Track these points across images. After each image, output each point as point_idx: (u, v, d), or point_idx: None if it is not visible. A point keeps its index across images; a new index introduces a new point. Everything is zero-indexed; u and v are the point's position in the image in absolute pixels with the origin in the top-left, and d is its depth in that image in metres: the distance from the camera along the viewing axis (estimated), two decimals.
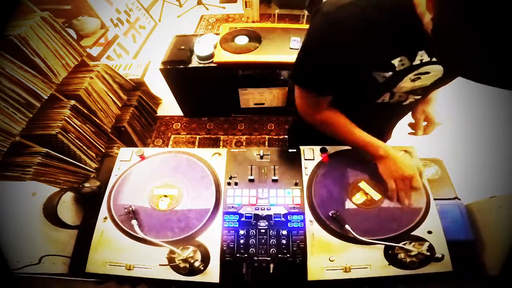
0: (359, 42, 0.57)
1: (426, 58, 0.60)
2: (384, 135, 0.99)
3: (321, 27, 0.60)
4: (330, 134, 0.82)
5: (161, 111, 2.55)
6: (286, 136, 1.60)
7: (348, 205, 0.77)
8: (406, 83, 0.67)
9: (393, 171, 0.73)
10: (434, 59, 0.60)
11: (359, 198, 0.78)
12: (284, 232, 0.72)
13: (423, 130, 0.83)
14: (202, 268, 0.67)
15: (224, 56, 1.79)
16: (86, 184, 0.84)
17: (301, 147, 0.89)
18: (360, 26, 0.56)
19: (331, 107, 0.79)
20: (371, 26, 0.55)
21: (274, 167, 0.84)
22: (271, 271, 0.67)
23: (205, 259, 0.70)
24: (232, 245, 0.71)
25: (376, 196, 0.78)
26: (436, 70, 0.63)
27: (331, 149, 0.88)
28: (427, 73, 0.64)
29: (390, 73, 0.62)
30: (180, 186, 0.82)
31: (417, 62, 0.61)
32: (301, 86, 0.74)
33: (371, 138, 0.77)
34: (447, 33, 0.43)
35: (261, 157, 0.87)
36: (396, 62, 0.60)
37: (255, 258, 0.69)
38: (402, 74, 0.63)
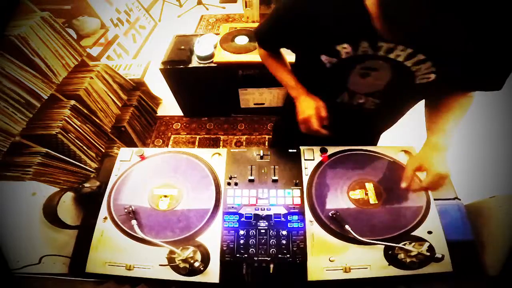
0: (309, 17, 0.62)
1: (370, 51, 0.61)
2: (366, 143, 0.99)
3: (282, 3, 0.69)
4: (268, 68, 0.91)
5: (161, 111, 2.55)
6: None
7: (348, 205, 0.77)
8: (357, 79, 0.69)
9: (298, 112, 0.82)
10: (379, 54, 0.61)
11: (357, 194, 0.78)
12: (284, 232, 0.72)
13: (428, 184, 0.68)
14: (202, 268, 0.67)
15: (224, 56, 1.79)
16: (86, 184, 0.84)
17: (301, 147, 0.89)
18: (311, 4, 0.61)
19: (279, 53, 0.89)
20: (320, 6, 0.60)
21: (274, 167, 0.84)
22: (271, 271, 0.67)
23: (205, 259, 0.70)
24: (232, 245, 0.71)
25: (373, 200, 0.77)
26: (383, 67, 0.64)
27: (331, 149, 0.88)
28: (375, 69, 0.65)
29: (336, 59, 0.65)
30: (180, 186, 0.82)
31: (360, 52, 0.62)
32: (259, 44, 0.87)
33: (292, 80, 0.85)
34: (393, 9, 0.49)
35: (261, 157, 0.87)
36: (340, 48, 0.63)
37: (255, 258, 0.69)
38: (348, 63, 0.65)
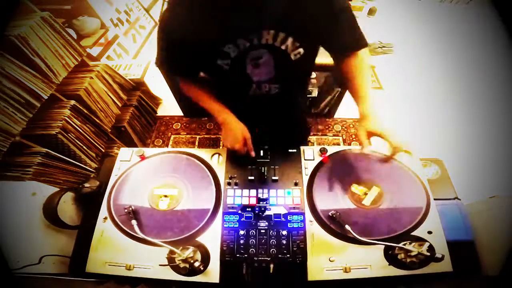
0: (191, 33, 0.68)
1: (247, 44, 0.69)
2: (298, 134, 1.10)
3: (159, 34, 0.73)
4: (191, 98, 0.91)
5: (161, 111, 2.55)
6: None
7: (348, 205, 0.77)
8: (253, 70, 0.76)
9: (223, 139, 0.86)
10: (254, 44, 0.69)
11: (357, 193, 0.78)
12: (284, 232, 0.72)
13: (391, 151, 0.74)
14: (202, 268, 0.67)
15: None
16: (86, 184, 0.84)
17: (301, 147, 0.89)
18: (186, 21, 0.67)
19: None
20: (194, 22, 0.66)
21: (274, 167, 0.84)
22: (271, 271, 0.67)
23: (205, 259, 0.70)
24: (232, 245, 0.71)
25: (373, 200, 0.77)
26: (264, 54, 0.72)
27: (331, 149, 0.88)
28: (260, 57, 0.73)
29: (229, 60, 0.72)
30: (180, 186, 0.82)
31: (242, 47, 0.70)
32: (166, 71, 0.90)
33: (216, 104, 0.86)
34: None
35: (261, 157, 0.87)
36: (227, 49, 0.70)
37: (255, 258, 0.69)
38: (239, 60, 0.73)
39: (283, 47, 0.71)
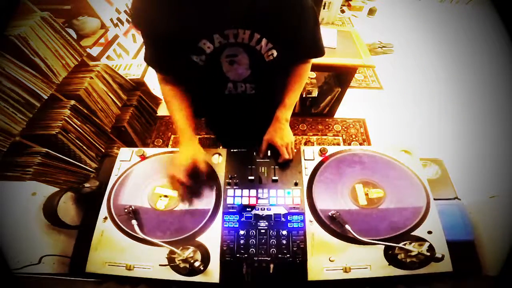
0: (165, 25, 0.67)
1: (223, 41, 0.69)
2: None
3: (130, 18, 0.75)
4: (167, 108, 0.91)
5: (161, 111, 2.55)
6: None
7: (348, 205, 0.77)
8: (228, 68, 0.76)
9: (170, 162, 0.85)
10: (230, 41, 0.69)
11: (357, 193, 0.78)
12: (284, 232, 0.72)
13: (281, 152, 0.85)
14: (202, 268, 0.67)
15: None
16: (86, 184, 0.84)
17: (301, 147, 0.89)
18: (164, 13, 0.66)
19: (176, 86, 0.88)
20: (171, 14, 0.65)
21: (274, 167, 0.84)
22: (271, 271, 0.67)
23: (205, 259, 0.70)
24: (232, 245, 0.71)
25: (373, 200, 0.78)
26: (240, 52, 0.72)
27: (331, 149, 0.88)
28: (235, 55, 0.73)
29: (204, 56, 0.72)
30: (180, 186, 0.82)
31: (217, 44, 0.69)
32: (157, 70, 0.86)
33: (181, 122, 0.85)
34: None
35: (261, 157, 0.87)
36: (201, 45, 0.69)
37: (255, 258, 0.69)
38: (214, 56, 0.72)
39: (257, 48, 0.71)
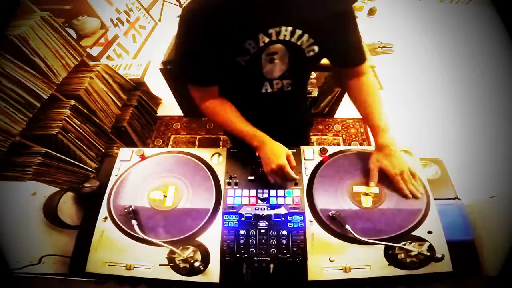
0: (213, 30, 0.67)
1: (267, 39, 0.70)
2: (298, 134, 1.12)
3: (181, 27, 0.70)
4: (216, 123, 0.90)
5: (161, 111, 2.55)
6: None
7: (348, 205, 0.77)
8: (268, 66, 0.76)
9: (266, 161, 0.77)
10: (273, 39, 0.70)
11: (357, 193, 0.78)
12: (284, 232, 0.72)
13: (398, 184, 0.77)
14: (202, 268, 0.67)
15: None
16: (86, 184, 0.84)
17: (301, 147, 0.89)
18: (210, 18, 0.66)
19: (217, 97, 0.85)
20: (219, 17, 0.66)
21: None
22: (271, 271, 0.67)
23: (205, 259, 0.70)
24: (232, 245, 0.71)
25: (373, 200, 0.77)
26: (281, 49, 0.73)
27: (331, 149, 0.88)
28: (276, 53, 0.73)
29: (248, 56, 0.72)
30: (180, 186, 0.82)
31: (261, 43, 0.70)
32: (183, 80, 0.81)
33: (247, 127, 0.81)
34: None
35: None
36: (247, 45, 0.70)
37: (255, 258, 0.69)
38: (256, 56, 0.73)
39: (298, 43, 0.72)
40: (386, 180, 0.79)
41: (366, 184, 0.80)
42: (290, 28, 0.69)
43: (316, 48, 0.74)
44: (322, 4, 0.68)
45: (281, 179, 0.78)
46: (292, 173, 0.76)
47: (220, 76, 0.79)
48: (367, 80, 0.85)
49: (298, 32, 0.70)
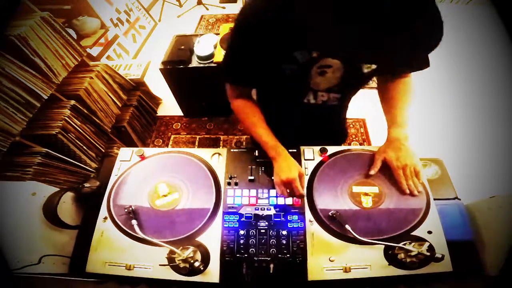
0: (265, 35, 0.64)
1: (322, 52, 0.66)
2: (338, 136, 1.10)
3: (235, 28, 0.69)
4: (241, 122, 0.88)
5: (161, 111, 2.55)
6: None
7: (348, 205, 0.77)
8: (317, 78, 0.73)
9: (278, 172, 0.77)
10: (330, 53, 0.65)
11: (357, 193, 0.78)
12: (284, 232, 0.72)
13: (405, 181, 0.77)
14: (202, 268, 0.67)
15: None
16: (86, 184, 0.84)
17: (301, 147, 0.89)
18: (264, 21, 0.63)
19: (250, 99, 0.86)
20: (273, 22, 0.62)
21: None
22: (271, 271, 0.67)
23: (205, 259, 0.70)
24: (232, 245, 0.71)
25: (373, 200, 0.77)
26: (336, 63, 0.69)
27: (331, 149, 0.88)
28: (329, 66, 0.69)
29: (295, 66, 0.69)
30: (180, 186, 0.82)
31: (314, 55, 0.66)
32: (224, 77, 0.81)
33: (267, 137, 0.81)
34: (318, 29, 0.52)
35: (261, 157, 0.87)
36: (297, 54, 0.67)
37: (255, 258, 0.69)
38: (306, 67, 0.70)
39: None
40: (389, 176, 0.79)
41: (367, 180, 0.80)
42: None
43: (374, 65, 0.70)
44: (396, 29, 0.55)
45: (288, 193, 0.77)
46: (300, 188, 0.75)
47: (260, 80, 0.79)
48: (408, 80, 0.82)
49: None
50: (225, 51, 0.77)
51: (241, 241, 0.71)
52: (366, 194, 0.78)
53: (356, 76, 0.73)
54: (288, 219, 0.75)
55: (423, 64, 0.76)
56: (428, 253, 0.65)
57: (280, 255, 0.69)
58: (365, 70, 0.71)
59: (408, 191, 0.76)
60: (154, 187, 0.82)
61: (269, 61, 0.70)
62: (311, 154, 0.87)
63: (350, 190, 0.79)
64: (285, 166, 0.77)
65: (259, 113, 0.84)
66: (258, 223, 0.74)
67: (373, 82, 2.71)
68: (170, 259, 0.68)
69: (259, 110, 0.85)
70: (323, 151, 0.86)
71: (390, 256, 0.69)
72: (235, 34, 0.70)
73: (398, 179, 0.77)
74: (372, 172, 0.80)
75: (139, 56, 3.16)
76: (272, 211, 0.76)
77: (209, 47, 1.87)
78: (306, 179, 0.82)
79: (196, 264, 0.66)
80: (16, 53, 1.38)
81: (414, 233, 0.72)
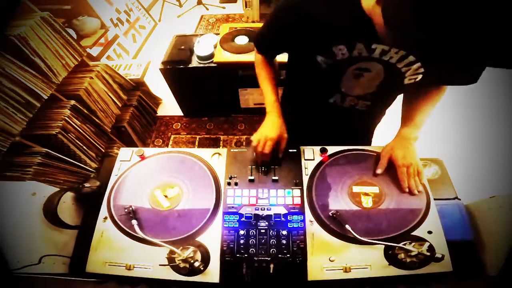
0: (307, 17, 0.62)
1: (365, 53, 0.62)
2: (361, 141, 1.07)
3: (278, 5, 0.69)
4: (256, 74, 0.91)
5: (161, 111, 2.55)
6: None
7: (348, 205, 0.77)
8: (351, 80, 0.70)
9: (260, 128, 0.81)
10: (373, 55, 0.63)
11: (357, 193, 0.78)
12: (284, 232, 0.72)
13: (407, 180, 0.76)
14: (202, 268, 0.67)
15: (224, 56, 1.79)
16: (86, 184, 0.84)
17: (301, 147, 0.89)
18: (310, 5, 0.62)
19: (269, 62, 0.89)
20: (318, 8, 0.60)
21: (274, 167, 0.84)
22: (271, 271, 0.67)
23: (205, 259, 0.70)
24: (232, 245, 0.71)
25: (374, 200, 0.77)
26: (376, 69, 0.66)
27: (331, 149, 0.88)
28: (368, 70, 0.66)
29: (331, 61, 0.66)
30: (180, 186, 0.82)
31: (355, 54, 0.63)
32: (255, 44, 0.87)
33: (269, 92, 0.84)
34: (398, 24, 0.46)
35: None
36: (336, 49, 0.63)
37: (255, 258, 0.69)
38: (343, 64, 0.67)
39: (404, 70, 0.64)
40: (389, 174, 0.80)
41: (367, 180, 0.80)
42: (402, 53, 0.59)
43: (419, 76, 0.65)
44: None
45: (259, 152, 0.78)
46: (267, 147, 0.76)
47: (299, 68, 0.81)
48: (442, 91, 0.78)
49: (411, 58, 0.60)
50: (267, 18, 0.78)
51: (241, 241, 0.71)
52: (366, 194, 0.78)
53: (396, 85, 0.69)
54: (288, 219, 0.75)
55: (471, 78, 0.68)
56: (428, 253, 0.65)
57: (280, 255, 0.69)
58: (408, 82, 0.67)
59: (408, 190, 0.77)
60: (152, 191, 0.82)
61: (305, 50, 0.69)
62: (311, 154, 0.87)
63: (350, 190, 0.79)
64: (270, 123, 0.80)
65: (271, 72, 0.88)
66: (258, 223, 0.74)
67: None
68: (170, 259, 0.68)
69: (272, 70, 0.89)
70: (323, 151, 0.86)
71: (390, 256, 0.69)
72: (274, 10, 0.71)
73: (400, 176, 0.77)
74: (379, 171, 0.80)
75: (139, 56, 3.16)
76: (283, 210, 0.76)
77: (209, 47, 1.87)
78: (304, 178, 0.82)
79: (196, 264, 0.66)
80: (16, 53, 1.38)
81: (414, 233, 0.72)
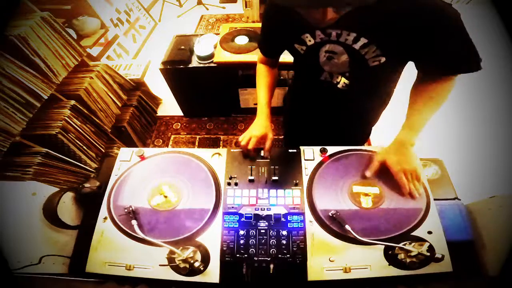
0: (282, 12, 0.74)
1: (325, 38, 0.72)
2: (358, 131, 1.17)
3: (263, 13, 0.84)
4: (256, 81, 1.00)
5: (161, 111, 2.55)
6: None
7: (348, 205, 0.77)
8: (325, 61, 0.80)
9: (250, 128, 0.91)
10: (331, 39, 0.72)
11: (357, 193, 0.78)
12: (284, 233, 0.72)
13: (405, 184, 0.76)
14: (202, 269, 0.67)
15: (224, 56, 1.79)
16: (86, 184, 0.84)
17: (301, 147, 0.89)
18: (276, 6, 0.76)
19: (270, 67, 0.99)
20: (288, 2, 0.63)
21: (274, 167, 0.84)
22: (271, 272, 0.67)
23: (205, 260, 0.70)
24: (232, 246, 0.71)
25: (374, 200, 0.77)
26: (339, 50, 0.74)
27: (331, 149, 0.88)
28: (335, 53, 0.75)
29: (305, 47, 0.79)
30: (180, 186, 0.82)
31: (318, 40, 0.74)
32: (261, 52, 0.96)
33: (262, 97, 0.95)
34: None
35: (261, 157, 0.87)
36: (304, 37, 0.76)
37: (255, 258, 0.69)
38: (314, 49, 0.78)
39: (361, 51, 0.70)
40: (388, 176, 0.79)
41: (367, 180, 0.80)
42: (353, 34, 0.67)
43: (383, 59, 0.70)
44: (401, 15, 0.61)
45: (243, 146, 0.86)
46: (251, 143, 0.84)
47: (280, 52, 0.93)
48: (443, 87, 0.74)
49: (363, 40, 0.67)
50: None
51: (241, 241, 0.71)
52: (366, 194, 0.78)
53: (363, 67, 0.74)
54: (288, 219, 0.75)
55: (469, 65, 0.68)
56: (428, 253, 0.65)
57: (280, 255, 0.69)
58: (372, 64, 0.73)
59: (408, 195, 0.77)
60: (152, 191, 0.82)
61: (287, 40, 0.82)
62: (311, 154, 0.87)
63: (350, 190, 0.79)
64: (257, 123, 0.90)
65: (269, 79, 0.97)
66: (258, 223, 0.74)
67: None
68: (170, 259, 0.68)
69: (270, 77, 0.98)
70: (323, 151, 0.86)
71: (390, 256, 0.69)
72: (263, 12, 0.84)
73: (401, 182, 0.76)
74: (368, 174, 0.81)
75: (139, 56, 3.16)
76: (283, 210, 0.76)
77: (209, 47, 1.87)
78: (304, 178, 0.82)
79: (196, 264, 0.66)
80: (16, 53, 1.37)
81: (414, 233, 0.72)
